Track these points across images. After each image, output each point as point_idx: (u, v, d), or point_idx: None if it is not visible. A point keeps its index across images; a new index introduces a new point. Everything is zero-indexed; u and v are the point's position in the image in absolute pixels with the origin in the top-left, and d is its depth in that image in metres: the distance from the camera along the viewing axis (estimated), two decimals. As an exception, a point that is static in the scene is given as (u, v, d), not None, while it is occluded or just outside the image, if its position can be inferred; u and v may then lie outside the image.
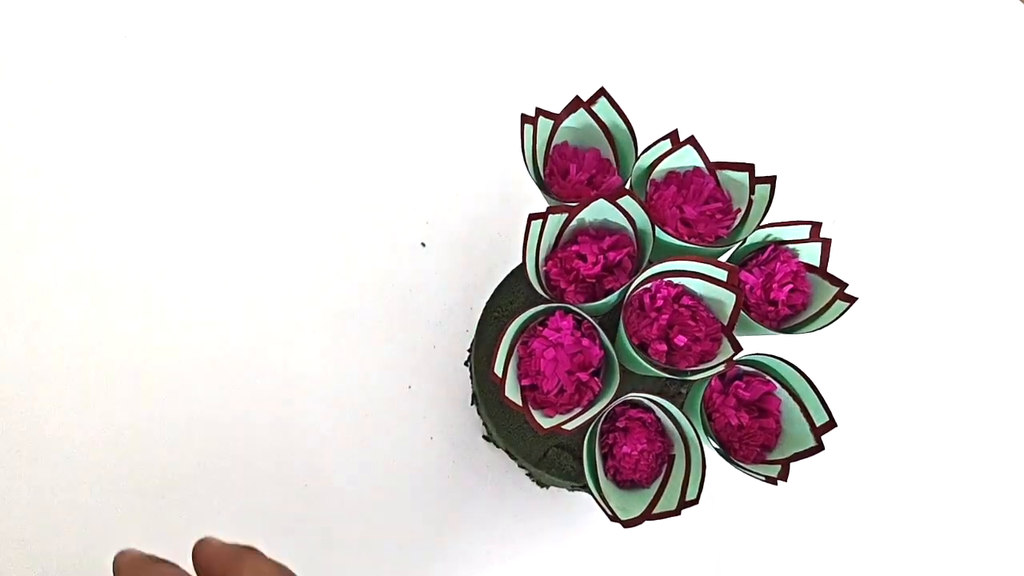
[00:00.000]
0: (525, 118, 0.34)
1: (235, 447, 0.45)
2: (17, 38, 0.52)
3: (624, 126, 0.35)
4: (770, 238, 0.35)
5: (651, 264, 0.31)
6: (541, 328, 0.32)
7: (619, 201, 0.31)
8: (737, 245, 0.35)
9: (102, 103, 0.52)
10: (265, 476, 0.45)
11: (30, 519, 0.43)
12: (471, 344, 0.43)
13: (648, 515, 0.31)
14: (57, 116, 0.51)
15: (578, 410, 0.32)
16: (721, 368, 0.31)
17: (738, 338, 0.31)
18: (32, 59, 0.52)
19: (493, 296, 0.42)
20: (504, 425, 0.40)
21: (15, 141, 0.50)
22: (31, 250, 0.48)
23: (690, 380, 0.35)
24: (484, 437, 0.47)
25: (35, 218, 0.48)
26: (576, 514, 0.47)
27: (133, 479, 0.44)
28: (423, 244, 0.49)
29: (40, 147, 0.50)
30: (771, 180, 0.34)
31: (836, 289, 0.33)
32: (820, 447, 0.31)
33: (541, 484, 0.46)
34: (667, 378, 0.35)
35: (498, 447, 0.44)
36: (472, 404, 0.47)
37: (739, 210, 0.35)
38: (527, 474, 0.45)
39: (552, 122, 0.35)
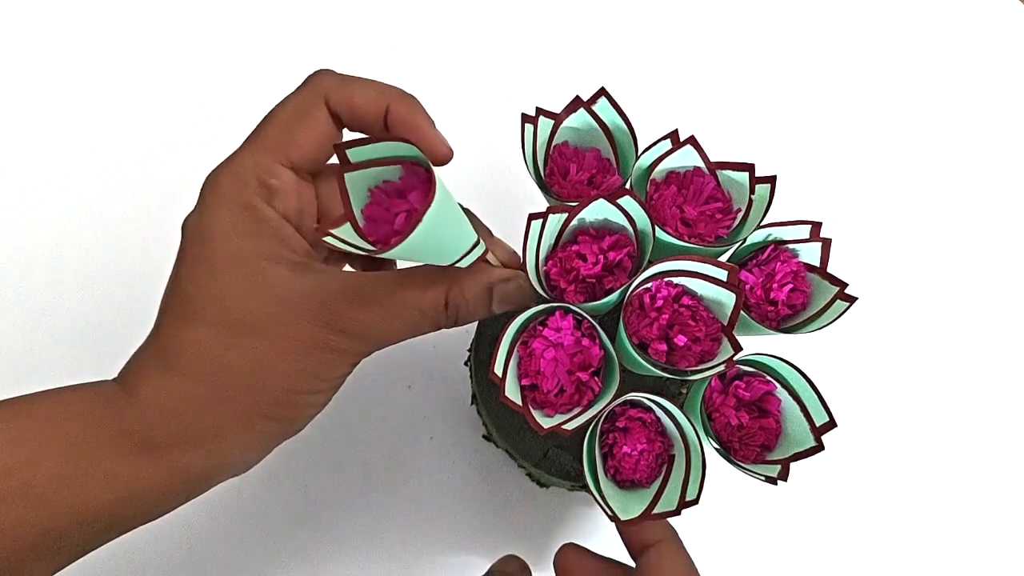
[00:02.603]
0: (526, 118, 0.34)
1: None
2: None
3: (624, 126, 0.35)
4: (770, 238, 0.35)
5: (651, 264, 0.31)
6: (541, 328, 0.32)
7: (619, 201, 0.31)
8: (737, 245, 0.35)
9: (103, 103, 0.52)
10: (265, 476, 0.45)
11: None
12: (471, 344, 0.43)
13: (648, 515, 0.30)
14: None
15: (578, 410, 0.32)
16: (721, 368, 0.31)
17: (738, 338, 0.31)
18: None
19: (493, 296, 0.41)
20: (504, 425, 0.40)
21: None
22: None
23: (690, 380, 0.35)
24: (484, 437, 0.47)
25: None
26: (576, 514, 0.47)
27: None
28: None
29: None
30: (771, 180, 0.34)
31: (836, 289, 0.33)
32: (820, 447, 0.31)
33: (541, 484, 0.46)
34: (667, 378, 0.35)
35: (498, 447, 0.44)
36: (472, 404, 0.47)
37: (739, 210, 0.35)
38: (527, 474, 0.45)
39: (552, 122, 0.35)
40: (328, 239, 0.26)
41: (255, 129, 0.30)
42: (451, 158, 0.30)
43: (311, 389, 0.29)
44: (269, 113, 0.30)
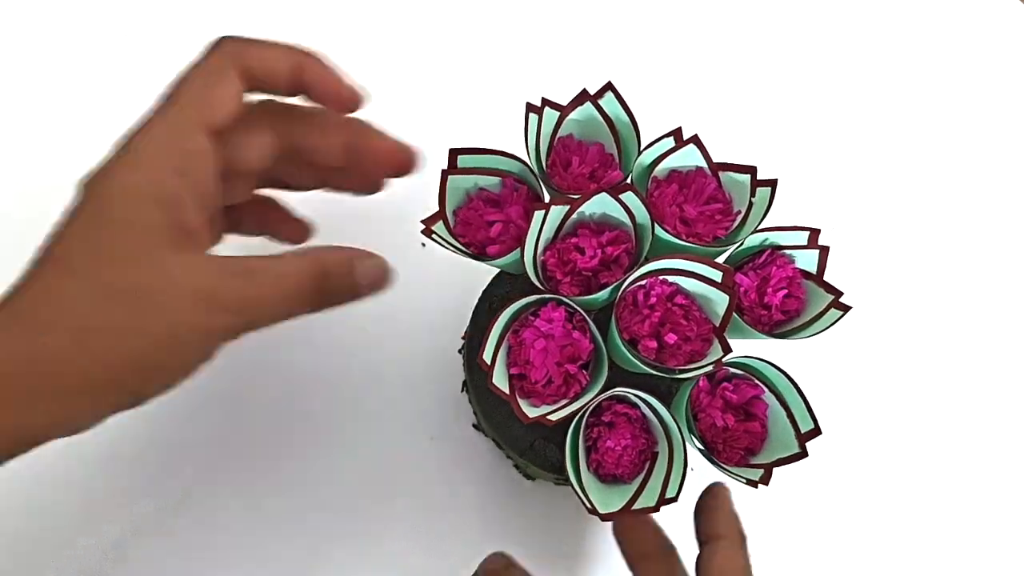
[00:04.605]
0: (531, 107, 0.34)
1: (235, 447, 0.46)
2: None
3: (629, 122, 0.35)
4: (767, 242, 0.35)
5: (647, 261, 0.31)
6: (533, 318, 0.32)
7: (621, 196, 0.31)
8: (734, 247, 0.35)
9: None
10: (265, 476, 0.46)
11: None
12: (465, 331, 0.43)
13: (627, 510, 0.31)
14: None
15: (564, 402, 0.32)
16: (709, 368, 0.31)
17: (730, 341, 0.31)
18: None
19: (490, 285, 0.42)
20: (492, 414, 0.40)
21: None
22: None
23: (678, 379, 0.35)
24: (473, 426, 0.47)
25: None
26: (575, 514, 0.47)
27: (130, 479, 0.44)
28: (423, 244, 0.48)
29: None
30: (772, 184, 0.34)
31: (831, 297, 0.33)
32: (804, 454, 0.31)
33: (527, 476, 0.46)
34: (657, 376, 0.36)
35: (487, 436, 0.44)
36: (463, 391, 0.47)
37: (739, 212, 0.35)
38: (514, 465, 0.45)
39: (558, 113, 0.35)
40: (434, 237, 0.30)
41: (166, 95, 0.30)
42: (363, 104, 0.32)
43: (168, 366, 0.29)
44: (177, 79, 0.30)
